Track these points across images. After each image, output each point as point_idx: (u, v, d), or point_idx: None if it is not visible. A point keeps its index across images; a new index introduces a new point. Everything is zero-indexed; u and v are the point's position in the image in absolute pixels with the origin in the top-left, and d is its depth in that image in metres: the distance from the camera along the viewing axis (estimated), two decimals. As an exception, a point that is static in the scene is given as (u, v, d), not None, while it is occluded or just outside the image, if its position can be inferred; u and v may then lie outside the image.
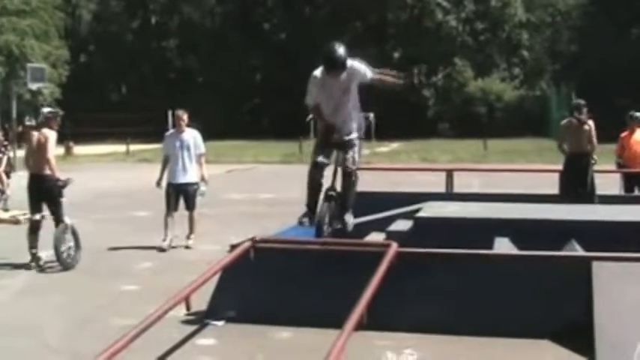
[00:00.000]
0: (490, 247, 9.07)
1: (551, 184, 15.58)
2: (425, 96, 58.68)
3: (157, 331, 6.58)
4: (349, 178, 9.24)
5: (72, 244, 11.63)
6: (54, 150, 11.73)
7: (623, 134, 15.81)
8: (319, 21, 60.08)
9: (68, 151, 40.88)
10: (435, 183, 15.49)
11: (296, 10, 62.54)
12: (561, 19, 66.55)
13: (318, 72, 8.97)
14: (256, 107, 63.24)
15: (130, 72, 64.57)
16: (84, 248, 12.12)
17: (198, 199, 13.57)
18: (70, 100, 52.56)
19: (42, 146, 11.64)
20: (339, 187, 9.40)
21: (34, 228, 11.78)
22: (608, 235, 9.32)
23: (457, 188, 15.65)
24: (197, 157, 13.60)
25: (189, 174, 13.46)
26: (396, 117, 49.24)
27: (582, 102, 14.22)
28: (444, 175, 15.83)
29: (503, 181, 19.36)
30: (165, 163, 13.50)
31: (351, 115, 9.24)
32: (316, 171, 9.24)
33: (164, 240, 12.92)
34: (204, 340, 7.76)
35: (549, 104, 54.43)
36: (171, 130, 14.31)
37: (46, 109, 12.79)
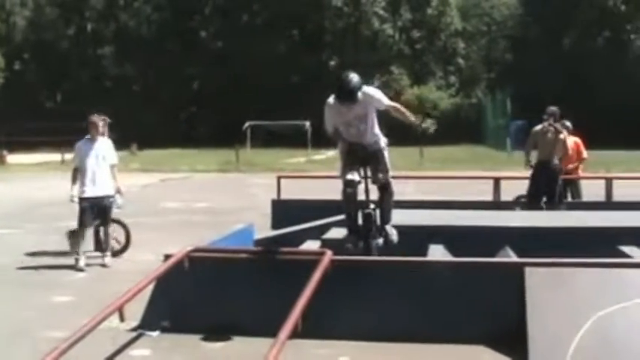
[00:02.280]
0: (424, 253, 9.14)
1: (486, 191, 15.77)
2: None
3: (90, 342, 6.50)
4: (385, 190, 9.10)
5: None
6: None
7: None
8: (256, 29, 60.09)
9: (1, 160, 40.28)
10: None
11: (233, 18, 62.48)
12: (497, 28, 67.43)
13: (331, 99, 8.72)
14: (193, 115, 63.07)
15: (65, 80, 63.85)
16: (15, 259, 11.94)
17: (116, 212, 12.68)
18: (4, 108, 51.92)
19: None
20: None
21: None
22: (541, 241, 9.47)
23: (393, 196, 15.71)
24: (110, 168, 12.44)
25: (105, 186, 12.31)
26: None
27: (557, 110, 14.26)
28: (379, 182, 15.88)
29: (438, 188, 19.51)
30: (76, 174, 12.29)
31: (373, 132, 9.03)
32: (350, 190, 8.98)
33: (78, 260, 11.95)
34: (138, 351, 7.67)
35: (485, 112, 55.18)
36: (83, 139, 12.51)
37: None
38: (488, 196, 15.56)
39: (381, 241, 9.15)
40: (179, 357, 7.57)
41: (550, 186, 13.79)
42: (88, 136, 12.40)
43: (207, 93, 59.76)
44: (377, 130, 9.10)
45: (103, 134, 12.62)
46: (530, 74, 54.90)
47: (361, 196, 9.18)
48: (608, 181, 15.75)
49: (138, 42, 63.07)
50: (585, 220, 11.09)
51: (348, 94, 8.50)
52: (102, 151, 12.35)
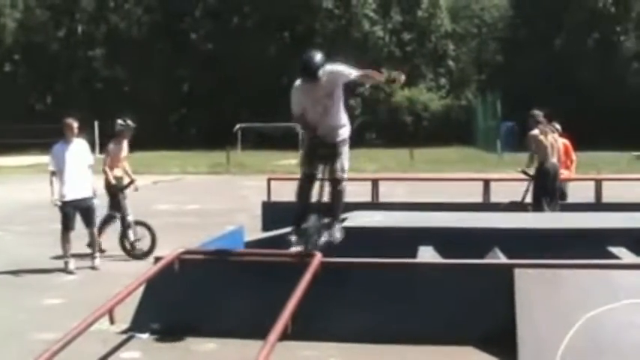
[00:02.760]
0: (414, 255, 9.16)
1: (475, 193, 15.80)
2: (352, 105, 58.98)
3: (80, 345, 6.51)
4: (337, 187, 8.94)
5: None
6: None
7: None
8: (247, 31, 60.02)
9: (-10, 162, 40.22)
10: (361, 192, 15.56)
11: (224, 20, 62.34)
12: (487, 30, 67.50)
13: (298, 81, 8.76)
14: (183, 117, 62.88)
15: (55, 82, 63.64)
16: (5, 261, 11.91)
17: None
18: (-6, 110, 51.74)
19: None
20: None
21: None
22: (531, 243, 9.49)
23: (383, 197, 15.78)
24: (88, 169, 12.40)
25: (86, 188, 12.26)
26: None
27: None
28: (369, 184, 15.93)
29: (429, 189, 19.54)
30: (54, 178, 12.11)
31: (339, 120, 8.95)
32: (306, 185, 9.01)
33: (67, 263, 11.94)
34: (128, 354, 7.68)
35: (475, 114, 55.22)
36: (59, 142, 12.37)
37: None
38: (478, 198, 15.59)
39: (324, 239, 9.01)
40: (169, 359, 7.58)
41: (553, 187, 13.83)
42: (60, 141, 12.34)
43: (198, 95, 59.64)
44: (342, 112, 9.01)
45: (77, 136, 12.51)
46: (521, 76, 54.93)
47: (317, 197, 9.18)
48: (598, 183, 15.79)
49: (128, 44, 62.88)
50: (575, 221, 11.12)
51: (311, 72, 8.45)
52: (79, 152, 12.29)
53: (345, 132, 9.01)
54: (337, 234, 8.99)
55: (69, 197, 12.02)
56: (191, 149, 46.35)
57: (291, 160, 37.22)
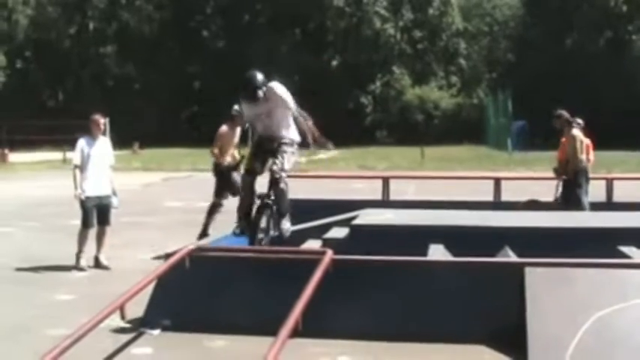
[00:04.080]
0: (425, 253, 9.15)
1: (486, 191, 15.77)
2: (363, 104, 59.01)
3: (91, 340, 6.52)
4: (277, 184, 9.26)
5: None
6: None
7: (564, 139, 15.57)
8: (258, 28, 60.06)
9: (3, 158, 40.32)
10: (372, 190, 15.57)
11: (235, 17, 62.42)
12: (498, 28, 67.39)
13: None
14: (194, 115, 63.00)
15: (67, 78, 63.80)
16: (17, 257, 11.94)
17: (113, 212, 12.50)
18: (6, 106, 51.87)
19: None
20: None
21: None
22: (541, 242, 9.48)
23: (393, 195, 15.76)
24: (109, 168, 12.38)
25: (106, 185, 12.21)
26: (334, 124, 49.43)
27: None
28: (380, 182, 15.93)
29: (439, 188, 19.53)
30: (77, 172, 11.96)
31: (283, 127, 9.41)
32: (248, 178, 9.37)
33: (80, 259, 11.88)
34: (139, 350, 7.69)
35: (486, 112, 55.13)
36: (85, 137, 12.22)
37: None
38: (489, 197, 15.57)
39: (274, 234, 9.41)
40: (180, 355, 7.60)
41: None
42: (86, 136, 12.21)
43: (209, 92, 59.68)
44: (288, 127, 9.46)
45: (104, 133, 12.55)
46: (532, 75, 54.88)
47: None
48: (609, 182, 15.75)
49: (139, 41, 63.04)
50: (585, 220, 11.11)
51: (248, 93, 9.11)
52: (103, 150, 12.25)
53: (289, 136, 9.45)
54: (287, 231, 9.47)
55: (90, 193, 11.97)
56: (202, 146, 46.25)
57: (301, 159, 37.21)
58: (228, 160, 13.69)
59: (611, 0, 59.27)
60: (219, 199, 13.65)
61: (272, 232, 9.41)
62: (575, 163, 13.81)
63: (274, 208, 9.41)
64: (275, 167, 9.19)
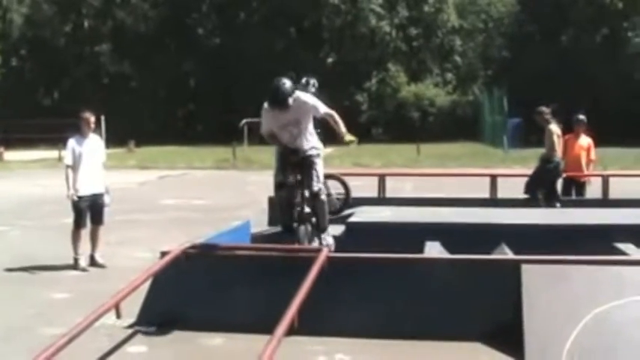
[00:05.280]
0: (421, 251, 9.15)
1: (482, 188, 15.76)
2: (358, 101, 58.97)
3: (87, 339, 6.52)
4: (317, 197, 9.17)
5: None
6: None
7: (567, 137, 15.57)
8: (254, 26, 60.00)
9: (-2, 156, 40.31)
10: (368, 188, 15.54)
11: (230, 15, 62.33)
12: (494, 25, 67.34)
13: (266, 104, 9.02)
14: (190, 113, 62.97)
15: (62, 77, 63.66)
16: (12, 256, 11.91)
17: (106, 210, 12.41)
18: (2, 104, 51.76)
19: None
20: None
21: None
22: (538, 239, 9.49)
23: (389, 193, 15.74)
24: (101, 166, 12.31)
25: (99, 183, 12.14)
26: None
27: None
28: (376, 179, 15.91)
29: (435, 185, 19.52)
30: (69, 172, 11.89)
31: (307, 144, 9.24)
32: (283, 192, 9.25)
33: (78, 260, 11.84)
34: (134, 348, 7.68)
35: (482, 109, 55.13)
36: (75, 136, 12.18)
37: None
38: (485, 194, 15.56)
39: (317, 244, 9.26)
40: (175, 353, 7.59)
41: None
42: (76, 135, 12.16)
43: (205, 90, 59.64)
44: (311, 136, 9.32)
45: (99, 131, 12.45)
46: (528, 71, 54.85)
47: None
48: (605, 179, 15.74)
49: (135, 39, 62.91)
50: (581, 217, 11.11)
51: (279, 101, 8.76)
52: (94, 148, 12.19)
53: (314, 150, 9.29)
54: (330, 244, 9.18)
55: (83, 192, 11.90)
56: (197, 144, 46.36)
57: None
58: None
59: (606, -3, 59.33)
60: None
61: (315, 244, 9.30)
62: (550, 156, 13.92)
63: (314, 222, 9.34)
64: (312, 180, 9.10)
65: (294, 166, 9.22)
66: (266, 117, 9.12)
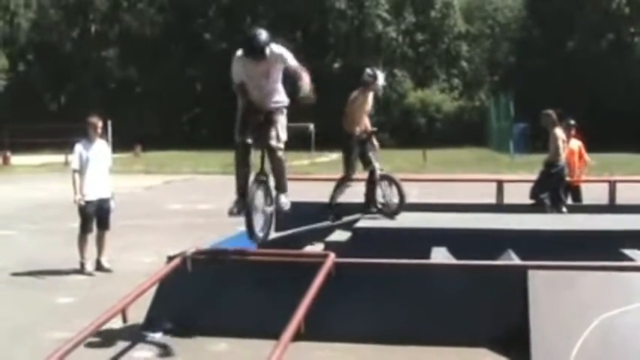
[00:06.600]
0: (427, 256, 9.13)
1: (489, 194, 15.74)
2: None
3: (92, 344, 6.52)
4: (275, 155, 8.74)
5: None
6: None
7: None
8: (260, 31, 60.06)
9: (5, 161, 40.40)
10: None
11: (237, 19, 62.43)
12: (500, 30, 67.38)
13: (239, 52, 8.64)
14: (195, 117, 63.08)
15: (69, 81, 63.87)
16: (19, 260, 11.90)
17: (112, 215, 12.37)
18: (8, 109, 51.88)
19: None
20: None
21: None
22: (544, 244, 9.46)
23: (396, 198, 15.71)
24: (108, 171, 12.28)
25: (105, 189, 12.10)
26: (336, 128, 49.46)
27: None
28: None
29: (442, 190, 19.50)
30: (76, 177, 11.85)
31: (274, 97, 8.86)
32: (243, 153, 8.77)
33: (84, 265, 11.83)
34: (141, 353, 7.67)
35: (488, 115, 55.13)
36: (82, 141, 12.16)
37: None
38: (492, 199, 15.54)
39: (271, 209, 9.03)
40: (182, 359, 7.57)
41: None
42: (83, 140, 12.14)
43: (210, 95, 59.72)
44: (280, 89, 8.93)
45: (105, 136, 12.42)
46: (534, 77, 54.87)
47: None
48: (612, 184, 15.70)
49: (141, 44, 63.08)
50: (588, 223, 11.08)
51: (255, 49, 8.41)
52: (101, 152, 12.17)
53: (280, 101, 8.90)
54: (286, 205, 8.98)
55: (90, 197, 11.88)
56: (203, 149, 46.40)
57: (303, 161, 37.26)
58: (357, 130, 12.17)
59: (613, 2, 59.26)
60: (349, 173, 12.29)
61: (269, 209, 9.08)
62: (554, 160, 13.91)
63: (270, 182, 9.02)
64: (272, 138, 8.68)
65: (255, 126, 8.77)
66: (237, 66, 8.72)
